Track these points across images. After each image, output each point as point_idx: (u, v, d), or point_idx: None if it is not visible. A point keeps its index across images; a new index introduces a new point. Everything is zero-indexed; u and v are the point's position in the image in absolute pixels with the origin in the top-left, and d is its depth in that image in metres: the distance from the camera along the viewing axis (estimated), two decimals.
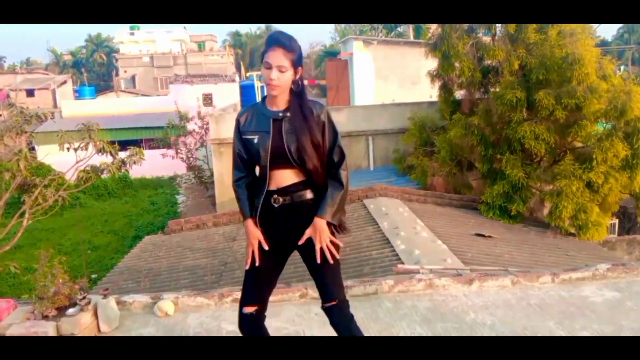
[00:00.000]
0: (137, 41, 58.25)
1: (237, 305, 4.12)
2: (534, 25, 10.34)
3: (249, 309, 2.68)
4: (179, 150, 20.44)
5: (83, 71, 59.92)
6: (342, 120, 14.97)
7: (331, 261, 2.58)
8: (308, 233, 2.57)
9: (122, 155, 8.86)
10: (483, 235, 8.11)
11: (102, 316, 3.75)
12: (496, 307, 3.97)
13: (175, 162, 20.89)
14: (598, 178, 9.00)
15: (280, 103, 2.57)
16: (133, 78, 52.49)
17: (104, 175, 9.08)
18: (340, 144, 2.61)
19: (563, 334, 3.53)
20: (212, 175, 17.23)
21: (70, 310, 3.66)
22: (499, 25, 11.13)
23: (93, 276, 12.38)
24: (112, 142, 9.12)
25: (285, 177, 2.57)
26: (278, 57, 2.46)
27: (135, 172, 12.75)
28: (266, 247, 2.61)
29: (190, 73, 41.86)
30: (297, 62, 2.52)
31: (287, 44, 2.48)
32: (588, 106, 9.26)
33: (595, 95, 9.25)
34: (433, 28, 12.96)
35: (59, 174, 8.76)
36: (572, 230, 9.43)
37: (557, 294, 4.21)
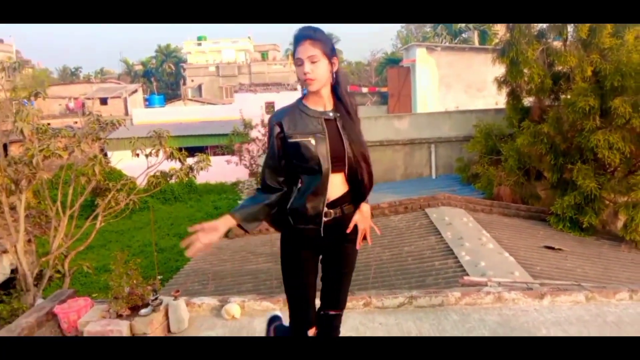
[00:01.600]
0: (203, 51, 60.19)
1: None
2: (609, 29, 9.91)
3: (311, 332, 2.58)
4: (242, 157, 20.92)
5: (153, 80, 62.40)
6: (404, 127, 14.86)
7: (370, 242, 2.58)
8: (355, 220, 2.48)
9: (190, 161, 9.16)
10: (553, 248, 7.79)
11: (173, 317, 3.88)
12: (569, 324, 3.80)
13: (238, 168, 21.41)
14: None
15: (327, 101, 2.44)
16: (199, 87, 54.16)
17: (172, 181, 9.41)
18: None
19: None
20: None
21: (143, 311, 3.81)
22: (570, 30, 10.73)
23: (160, 277, 12.82)
24: (180, 149, 9.46)
25: (338, 187, 2.43)
26: (306, 49, 2.35)
27: (200, 177, 13.11)
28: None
29: (254, 82, 42.75)
30: (329, 52, 2.39)
31: (312, 34, 2.37)
32: None
33: None
34: (501, 34, 12.67)
35: (131, 179, 9.16)
36: None
37: (636, 312, 3.99)
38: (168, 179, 9.13)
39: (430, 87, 21.12)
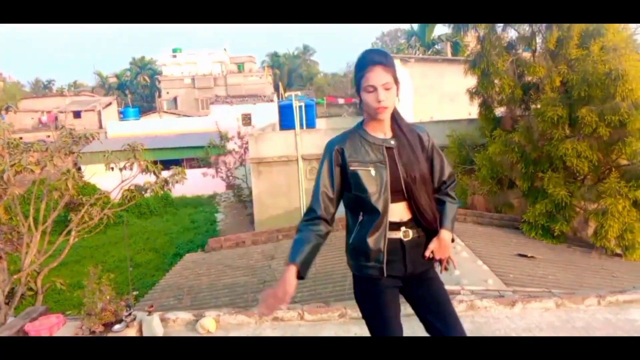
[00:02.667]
0: (179, 63, 59.84)
1: (277, 324, 4.17)
2: (576, 40, 10.17)
3: None
4: (218, 170, 20.84)
5: (127, 93, 61.84)
6: None
7: (455, 266, 2.45)
8: (432, 247, 2.36)
9: (165, 174, 9.10)
10: (525, 256, 7.94)
11: (147, 332, 3.85)
12: (540, 330, 3.89)
13: (215, 181, 21.31)
14: None
15: (387, 128, 2.34)
16: (175, 99, 53.82)
17: (147, 194, 9.33)
18: (450, 166, 2.46)
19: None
20: (250, 194, 17.46)
21: (117, 327, 3.78)
22: (539, 41, 10.99)
23: (135, 293, 12.65)
24: (155, 162, 9.39)
25: (404, 212, 2.33)
26: (380, 76, 2.23)
27: (176, 190, 13.00)
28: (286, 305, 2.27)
29: (230, 94, 42.74)
30: (397, 77, 2.29)
31: (384, 60, 2.26)
32: (633, 123, 9.00)
33: None
34: (472, 46, 12.90)
35: (105, 193, 9.06)
36: (619, 251, 9.13)
37: (604, 317, 4.09)
38: (143, 193, 9.06)
39: (404, 98, 21.35)
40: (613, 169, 9.70)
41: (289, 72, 66.81)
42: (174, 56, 60.63)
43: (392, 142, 2.32)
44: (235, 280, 7.37)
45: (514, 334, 3.82)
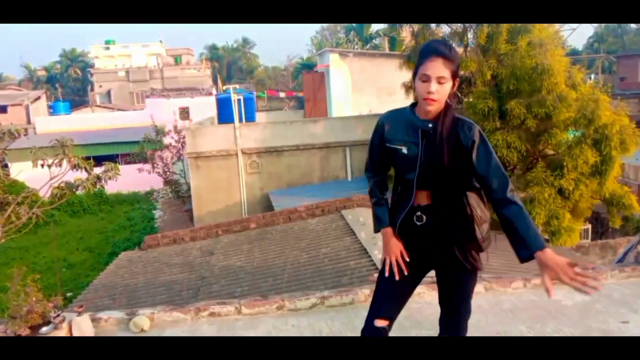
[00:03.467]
0: (112, 56, 57.73)
1: (213, 320, 4.14)
2: (504, 36, 10.58)
3: (381, 323, 2.43)
4: (155, 165, 20.29)
5: (57, 86, 59.20)
6: (319, 131, 15.07)
7: (549, 294, 2.14)
8: (548, 277, 2.09)
9: (97, 170, 8.80)
10: None
11: (77, 334, 3.72)
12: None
13: (151, 176, 20.72)
14: (569, 185, 9.21)
15: (434, 115, 2.33)
16: (108, 93, 51.95)
17: (79, 192, 8.99)
18: (500, 166, 2.32)
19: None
20: (189, 189, 17.15)
21: (44, 329, 3.62)
22: (470, 36, 11.37)
23: (68, 294, 12.18)
24: (88, 158, 9.05)
25: (431, 194, 2.38)
26: (438, 68, 2.21)
27: (111, 187, 12.58)
28: (407, 258, 2.43)
29: (167, 87, 41.67)
30: (456, 73, 2.27)
31: (447, 53, 2.23)
32: (558, 115, 9.49)
33: (564, 104, 9.48)
34: (407, 40, 13.17)
35: (33, 191, 8.66)
36: (546, 237, 9.60)
37: (529, 299, 4.30)
38: (74, 190, 8.73)
39: (344, 92, 21.56)
40: (540, 159, 10.20)
41: (228, 65, 65.95)
42: (107, 48, 58.50)
43: (430, 125, 2.31)
44: (173, 278, 7.23)
45: None
